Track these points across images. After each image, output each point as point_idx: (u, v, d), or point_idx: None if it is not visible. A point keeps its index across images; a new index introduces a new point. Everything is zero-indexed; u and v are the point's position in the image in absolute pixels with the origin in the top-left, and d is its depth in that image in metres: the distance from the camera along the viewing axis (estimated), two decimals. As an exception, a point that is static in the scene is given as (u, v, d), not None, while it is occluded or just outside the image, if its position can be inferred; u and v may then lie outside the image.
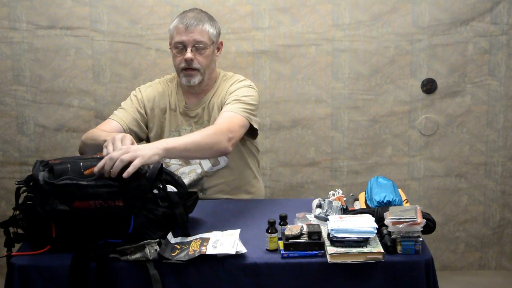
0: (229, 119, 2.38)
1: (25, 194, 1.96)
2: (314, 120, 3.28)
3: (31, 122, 3.23)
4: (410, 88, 3.25)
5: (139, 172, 1.91)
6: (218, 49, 2.60)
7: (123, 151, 1.93)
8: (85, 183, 1.85)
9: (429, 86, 3.24)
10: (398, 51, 3.21)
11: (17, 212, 1.96)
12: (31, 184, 1.92)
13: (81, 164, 1.93)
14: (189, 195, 2.13)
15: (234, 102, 2.47)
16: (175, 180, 2.17)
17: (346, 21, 3.18)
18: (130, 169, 1.87)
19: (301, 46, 3.20)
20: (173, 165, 2.56)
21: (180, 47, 2.49)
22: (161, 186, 2.04)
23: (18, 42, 3.15)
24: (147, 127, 2.58)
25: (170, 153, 2.11)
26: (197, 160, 2.57)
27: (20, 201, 1.97)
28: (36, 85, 3.19)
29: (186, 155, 2.31)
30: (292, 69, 3.23)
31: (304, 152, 3.31)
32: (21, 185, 1.95)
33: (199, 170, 2.57)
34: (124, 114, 2.53)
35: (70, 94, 3.21)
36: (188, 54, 2.46)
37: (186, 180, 2.49)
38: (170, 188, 2.11)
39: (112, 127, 2.47)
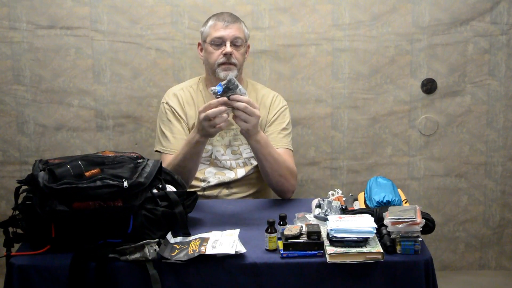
0: (290, 158, 2.66)
1: (24, 194, 1.96)
2: (314, 120, 3.27)
3: (31, 122, 3.23)
4: (410, 88, 3.25)
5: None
6: (246, 51, 2.72)
7: (252, 110, 2.23)
8: (85, 185, 1.85)
9: (429, 86, 3.24)
10: (398, 51, 3.20)
11: (17, 212, 1.96)
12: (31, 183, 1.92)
13: (80, 163, 1.93)
14: (188, 194, 2.13)
15: (286, 135, 2.73)
16: (175, 180, 2.18)
17: (346, 21, 3.18)
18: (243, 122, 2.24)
19: (301, 46, 3.20)
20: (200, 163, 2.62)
21: (218, 43, 2.58)
22: (160, 186, 2.04)
23: (18, 42, 3.15)
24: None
25: (257, 142, 2.37)
26: (232, 165, 2.66)
27: (20, 201, 1.97)
28: (36, 85, 3.19)
29: (260, 156, 2.45)
30: (292, 69, 3.22)
31: (304, 152, 3.31)
32: (22, 184, 1.95)
33: (231, 175, 2.66)
34: (174, 141, 2.59)
35: (70, 94, 3.20)
36: (228, 48, 2.56)
37: (213, 180, 2.61)
38: (170, 187, 2.11)
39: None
